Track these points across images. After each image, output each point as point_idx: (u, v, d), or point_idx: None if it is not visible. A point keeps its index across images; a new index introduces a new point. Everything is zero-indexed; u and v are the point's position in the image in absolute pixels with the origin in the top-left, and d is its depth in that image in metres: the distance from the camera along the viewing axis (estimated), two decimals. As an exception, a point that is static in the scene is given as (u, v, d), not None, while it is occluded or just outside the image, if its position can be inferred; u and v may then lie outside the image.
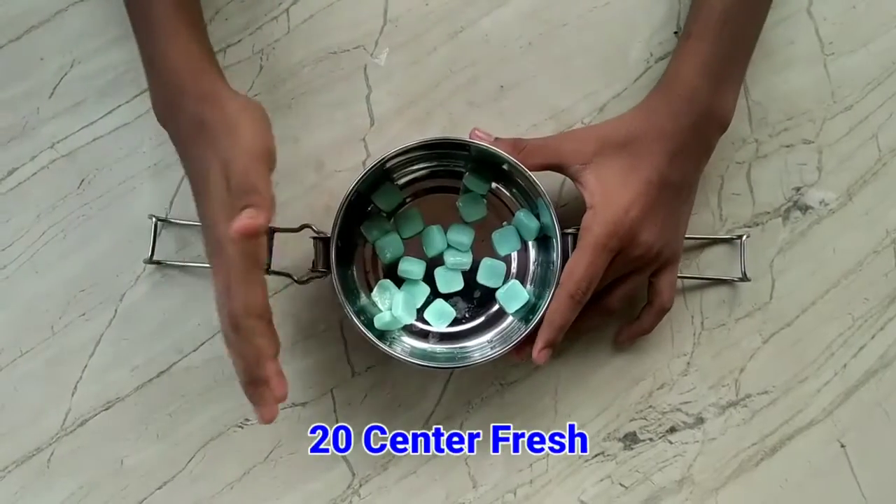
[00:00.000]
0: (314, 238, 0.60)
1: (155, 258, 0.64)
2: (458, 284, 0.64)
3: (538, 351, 0.58)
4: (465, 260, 0.64)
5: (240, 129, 0.52)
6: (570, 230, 0.61)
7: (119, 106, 0.66)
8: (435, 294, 0.64)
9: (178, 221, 0.65)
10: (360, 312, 0.60)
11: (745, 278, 0.66)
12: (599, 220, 0.57)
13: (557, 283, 0.58)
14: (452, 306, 0.64)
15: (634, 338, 0.65)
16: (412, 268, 0.63)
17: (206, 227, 0.53)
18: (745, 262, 0.66)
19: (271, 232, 0.60)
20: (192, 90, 0.54)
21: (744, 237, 0.66)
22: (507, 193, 0.65)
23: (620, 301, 0.62)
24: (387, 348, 0.59)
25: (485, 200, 0.64)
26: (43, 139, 0.66)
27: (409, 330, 0.64)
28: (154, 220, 0.64)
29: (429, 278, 0.64)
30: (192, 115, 0.53)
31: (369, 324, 0.60)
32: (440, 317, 0.64)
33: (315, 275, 0.60)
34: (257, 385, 0.51)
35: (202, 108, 0.53)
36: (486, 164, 0.63)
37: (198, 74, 0.55)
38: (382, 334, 0.61)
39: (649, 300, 0.63)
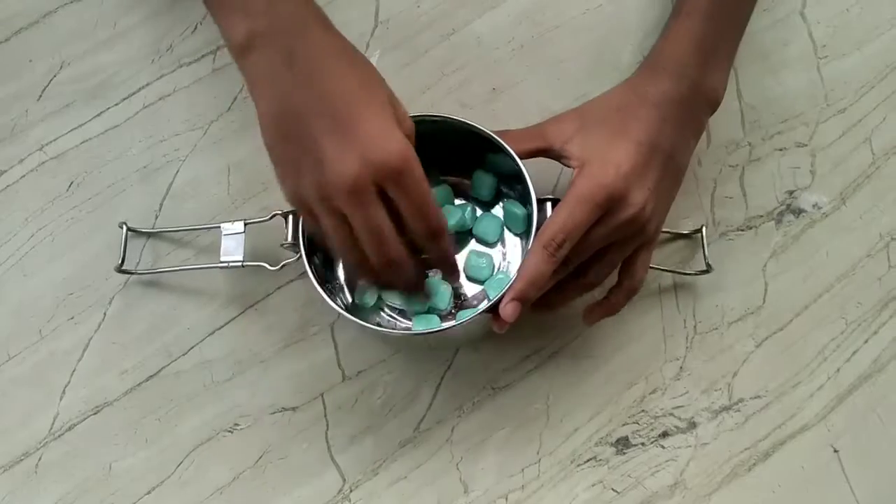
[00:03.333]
0: (284, 214, 0.59)
1: (124, 267, 0.63)
2: (442, 302, 0.63)
3: (505, 304, 0.54)
4: (461, 213, 0.63)
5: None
6: (549, 196, 0.59)
7: (108, 108, 0.66)
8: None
9: (151, 231, 0.64)
10: (340, 289, 0.59)
11: (708, 269, 0.64)
12: (585, 174, 0.54)
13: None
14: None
15: (602, 317, 0.62)
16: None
17: (359, 148, 0.48)
18: (707, 253, 0.64)
19: (244, 225, 0.60)
20: (325, 19, 0.53)
21: (702, 227, 0.65)
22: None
23: (599, 274, 0.58)
24: (342, 310, 0.57)
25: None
26: (31, 141, 0.65)
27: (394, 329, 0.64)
28: (124, 228, 0.63)
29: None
30: (334, 41, 0.52)
31: (350, 307, 0.59)
32: (436, 297, 0.62)
33: (288, 257, 0.59)
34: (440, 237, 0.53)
35: (343, 40, 0.53)
36: (471, 154, 0.62)
37: (320, 9, 0.54)
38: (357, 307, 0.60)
39: (619, 280, 0.60)
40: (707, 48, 0.58)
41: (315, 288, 0.56)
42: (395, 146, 0.48)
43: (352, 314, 0.60)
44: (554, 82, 0.67)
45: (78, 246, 0.65)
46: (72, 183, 0.65)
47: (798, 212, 0.68)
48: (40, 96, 0.65)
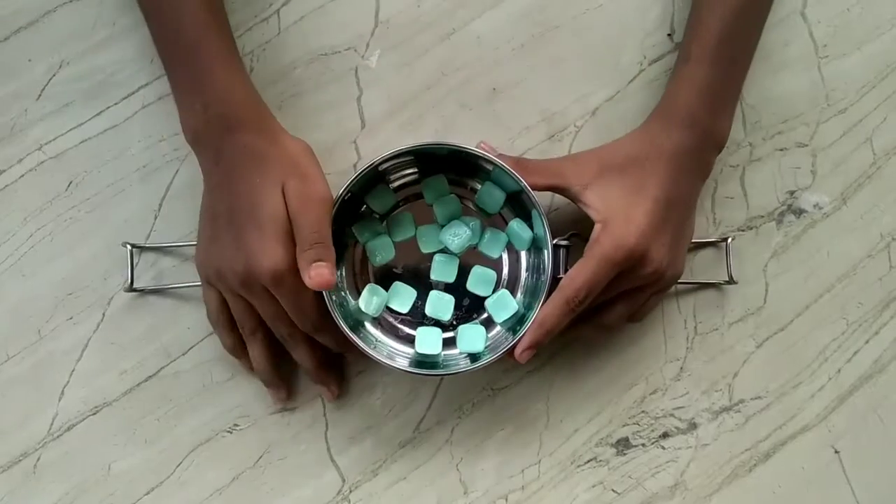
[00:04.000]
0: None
1: (135, 286, 0.64)
2: (451, 275, 0.63)
3: (521, 350, 0.58)
4: (469, 234, 0.63)
5: (310, 174, 0.58)
6: (562, 242, 0.60)
7: (108, 108, 0.66)
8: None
9: (154, 246, 0.65)
10: (347, 315, 0.60)
11: (731, 281, 0.65)
12: (609, 233, 0.57)
13: (547, 293, 0.58)
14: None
15: (597, 332, 0.63)
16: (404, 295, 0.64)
17: (244, 253, 0.55)
18: (731, 264, 0.65)
19: None
20: (249, 121, 0.58)
21: (729, 239, 0.65)
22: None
23: (619, 318, 0.61)
24: (370, 351, 0.58)
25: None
26: (30, 141, 0.65)
27: (395, 335, 0.64)
28: (129, 248, 0.63)
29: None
30: (248, 145, 0.57)
31: (354, 326, 0.59)
32: (439, 308, 0.63)
33: None
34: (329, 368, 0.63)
35: (261, 142, 0.57)
36: (472, 168, 0.62)
37: (255, 106, 0.59)
38: (367, 338, 0.61)
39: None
40: (716, 94, 0.60)
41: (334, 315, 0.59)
42: (266, 264, 0.55)
43: (355, 318, 0.61)
44: (554, 82, 0.67)
45: (77, 246, 0.65)
46: (71, 182, 0.65)
47: (799, 212, 0.67)
48: (39, 96, 0.65)
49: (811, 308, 0.67)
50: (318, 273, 0.54)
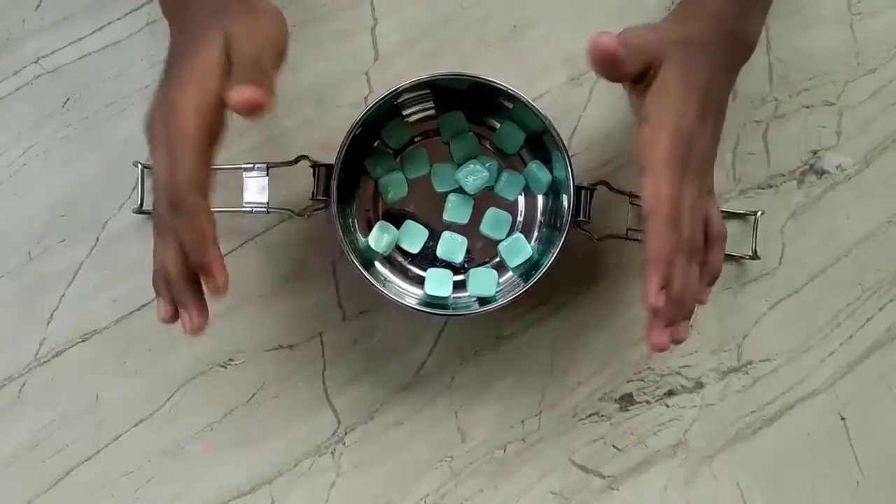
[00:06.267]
0: (313, 166, 0.57)
1: (144, 208, 0.61)
2: (464, 216, 0.61)
3: (654, 294, 0.48)
4: (485, 175, 0.60)
5: (262, 16, 0.49)
6: (584, 185, 0.58)
7: (109, 23, 0.63)
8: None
9: None
10: (356, 252, 0.57)
11: (755, 256, 0.63)
12: (663, 128, 0.49)
13: (565, 238, 0.55)
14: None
15: (712, 283, 0.56)
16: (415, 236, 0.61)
17: (165, 89, 0.47)
18: (757, 238, 0.63)
19: (266, 168, 0.57)
20: None
21: (758, 213, 0.63)
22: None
23: (720, 223, 0.54)
24: (381, 287, 0.56)
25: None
26: (27, 53, 0.62)
27: (405, 275, 0.62)
28: (140, 167, 0.61)
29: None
30: None
31: (365, 264, 0.57)
32: (451, 250, 0.61)
33: (315, 205, 0.57)
34: (197, 275, 0.48)
35: None
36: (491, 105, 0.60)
37: None
38: (376, 276, 0.59)
39: (706, 234, 0.54)
40: None
41: (345, 250, 0.56)
42: (170, 107, 0.46)
43: (364, 255, 0.59)
44: (578, 23, 0.64)
45: (72, 166, 0.62)
46: (68, 99, 0.62)
47: (821, 172, 0.65)
48: (38, 6, 0.62)
49: (827, 271, 0.65)
50: (240, 93, 0.44)
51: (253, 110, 0.44)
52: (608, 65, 0.49)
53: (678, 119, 0.50)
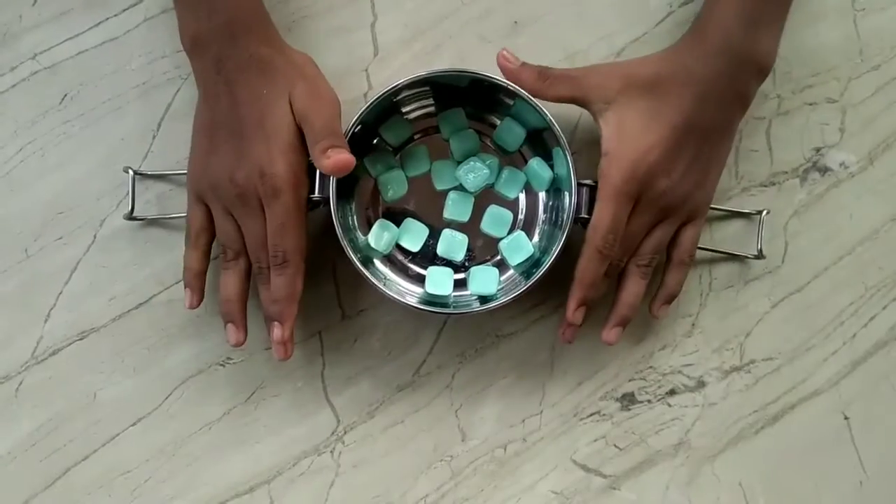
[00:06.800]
0: (310, 163, 0.57)
1: (134, 214, 0.61)
2: (465, 214, 0.60)
3: (573, 311, 0.57)
4: (486, 172, 0.60)
5: (317, 80, 0.56)
6: (585, 181, 0.57)
7: (107, 18, 0.62)
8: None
9: (156, 173, 0.61)
10: (356, 250, 0.57)
11: (760, 256, 0.63)
12: (616, 165, 0.54)
13: (566, 235, 0.55)
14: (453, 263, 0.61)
15: (667, 303, 0.61)
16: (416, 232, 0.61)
17: (249, 162, 0.54)
18: (762, 238, 0.63)
19: None
20: (255, 29, 0.55)
21: (764, 213, 0.63)
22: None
23: (654, 251, 0.58)
24: (381, 286, 0.56)
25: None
26: (24, 49, 0.62)
27: (406, 274, 0.61)
28: (131, 173, 0.60)
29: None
30: (253, 53, 0.54)
31: (365, 262, 0.57)
32: (451, 248, 0.61)
33: (312, 202, 0.57)
34: (283, 322, 0.56)
35: (266, 50, 0.55)
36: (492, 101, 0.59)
37: (263, 16, 0.56)
38: (376, 274, 0.58)
39: (668, 256, 0.60)
40: (755, 13, 0.55)
41: (344, 247, 0.56)
42: (269, 171, 0.53)
43: (364, 254, 0.58)
44: (579, 19, 0.63)
45: (69, 163, 0.61)
46: (65, 96, 0.62)
47: (824, 170, 0.65)
48: (36, 1, 0.62)
49: (830, 270, 0.65)
50: (336, 156, 0.53)
51: (346, 169, 0.53)
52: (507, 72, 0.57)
53: (637, 156, 0.54)
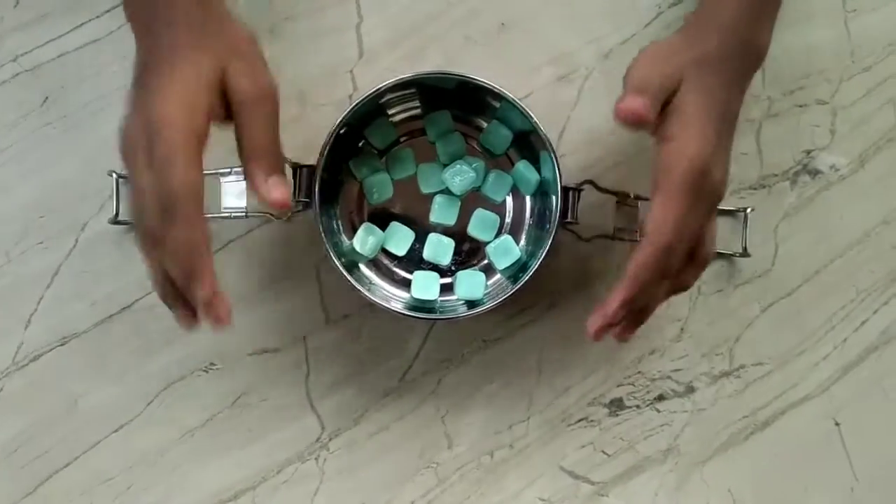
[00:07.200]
0: (294, 167, 0.56)
1: (120, 218, 0.60)
2: (451, 218, 0.60)
3: (615, 309, 0.49)
4: (472, 175, 0.59)
5: (259, 65, 0.49)
6: (571, 185, 0.57)
7: (89, 20, 0.61)
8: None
9: None
10: (340, 255, 0.56)
11: (745, 254, 0.62)
12: (683, 156, 0.48)
13: (553, 240, 0.54)
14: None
15: (673, 295, 0.54)
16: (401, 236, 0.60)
17: (143, 102, 0.46)
18: (747, 236, 0.62)
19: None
20: None
21: (748, 210, 0.62)
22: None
23: (711, 247, 0.53)
24: (366, 291, 0.55)
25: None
26: (5, 51, 0.61)
27: (391, 278, 0.61)
28: (115, 176, 0.59)
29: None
30: (187, 9, 0.48)
31: (349, 266, 0.56)
32: (438, 252, 0.60)
33: (296, 207, 0.56)
34: (194, 282, 0.46)
35: (200, 12, 0.48)
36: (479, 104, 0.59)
37: None
38: (361, 279, 0.57)
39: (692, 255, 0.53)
40: (756, 1, 0.53)
41: (328, 253, 0.55)
42: (156, 120, 0.45)
43: (349, 258, 0.58)
44: (567, 20, 0.63)
45: (51, 166, 0.61)
46: (46, 98, 0.61)
47: (814, 172, 0.64)
48: (17, 3, 0.61)
49: (820, 273, 0.64)
50: (277, 192, 0.47)
51: (282, 208, 0.47)
52: (638, 126, 0.48)
53: (700, 144, 0.48)
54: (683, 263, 0.51)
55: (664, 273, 0.49)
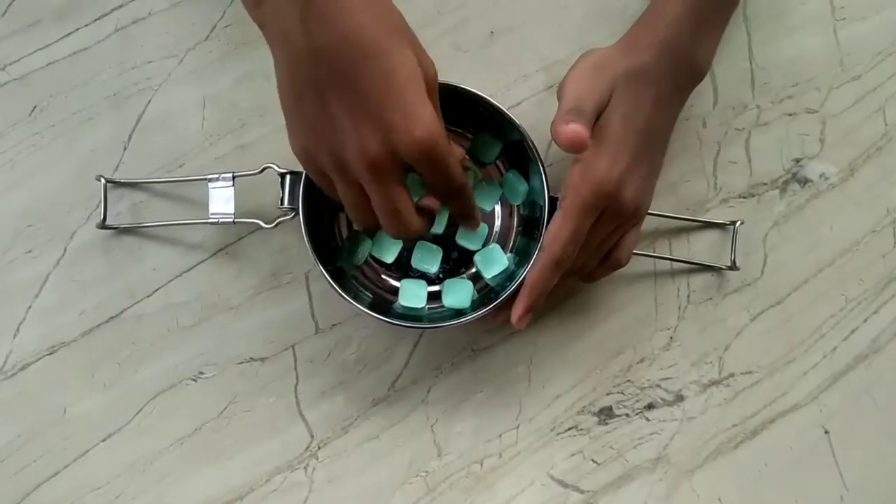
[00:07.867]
0: (281, 174, 0.56)
1: (107, 223, 0.60)
2: (439, 226, 0.59)
3: (518, 316, 0.54)
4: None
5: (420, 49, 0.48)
6: (558, 195, 0.57)
7: (77, 29, 0.61)
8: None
9: (129, 181, 0.61)
10: (328, 262, 0.56)
11: (733, 267, 0.62)
12: (589, 178, 0.52)
13: (540, 247, 0.54)
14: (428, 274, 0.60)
15: (576, 281, 0.59)
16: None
17: (381, 129, 0.45)
18: (736, 249, 0.62)
19: (232, 177, 0.57)
20: None
21: (737, 223, 0.62)
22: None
23: (591, 263, 0.57)
24: (350, 300, 0.55)
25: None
26: (-6, 60, 0.61)
27: (379, 286, 0.61)
28: (103, 181, 0.59)
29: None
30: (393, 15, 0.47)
31: (337, 274, 0.56)
32: (426, 260, 0.60)
33: (283, 214, 0.56)
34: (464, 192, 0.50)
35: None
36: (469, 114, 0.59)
37: None
38: (347, 286, 0.57)
39: (606, 254, 0.57)
40: (702, 15, 0.54)
41: (317, 265, 0.55)
42: (419, 133, 0.45)
43: (336, 266, 0.58)
44: (556, 29, 0.63)
45: (39, 175, 0.61)
46: (35, 107, 0.61)
47: (804, 181, 0.64)
48: (5, 11, 0.61)
49: (810, 282, 0.64)
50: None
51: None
52: (578, 150, 0.50)
53: (608, 168, 0.52)
54: (597, 263, 0.57)
55: (564, 273, 0.54)
